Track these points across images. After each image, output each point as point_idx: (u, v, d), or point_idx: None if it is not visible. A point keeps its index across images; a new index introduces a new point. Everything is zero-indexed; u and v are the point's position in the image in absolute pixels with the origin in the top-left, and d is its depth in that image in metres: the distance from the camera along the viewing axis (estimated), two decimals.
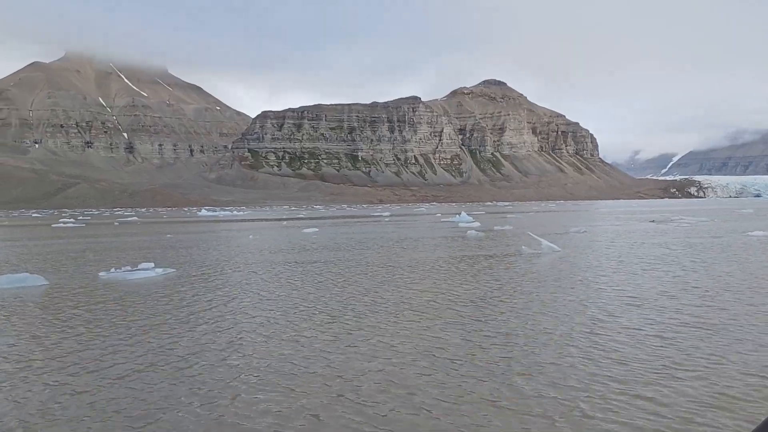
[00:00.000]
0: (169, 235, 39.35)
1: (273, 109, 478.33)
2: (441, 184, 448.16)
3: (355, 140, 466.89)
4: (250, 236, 41.60)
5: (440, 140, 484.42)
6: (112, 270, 21.59)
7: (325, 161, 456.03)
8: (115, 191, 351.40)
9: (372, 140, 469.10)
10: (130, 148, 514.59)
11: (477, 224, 51.24)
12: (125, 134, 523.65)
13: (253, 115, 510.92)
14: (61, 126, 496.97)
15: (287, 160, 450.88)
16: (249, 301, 15.34)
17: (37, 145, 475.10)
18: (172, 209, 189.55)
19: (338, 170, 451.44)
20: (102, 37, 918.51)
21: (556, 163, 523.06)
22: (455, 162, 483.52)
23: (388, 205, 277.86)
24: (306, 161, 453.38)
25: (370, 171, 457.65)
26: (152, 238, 42.85)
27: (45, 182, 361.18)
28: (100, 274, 21.44)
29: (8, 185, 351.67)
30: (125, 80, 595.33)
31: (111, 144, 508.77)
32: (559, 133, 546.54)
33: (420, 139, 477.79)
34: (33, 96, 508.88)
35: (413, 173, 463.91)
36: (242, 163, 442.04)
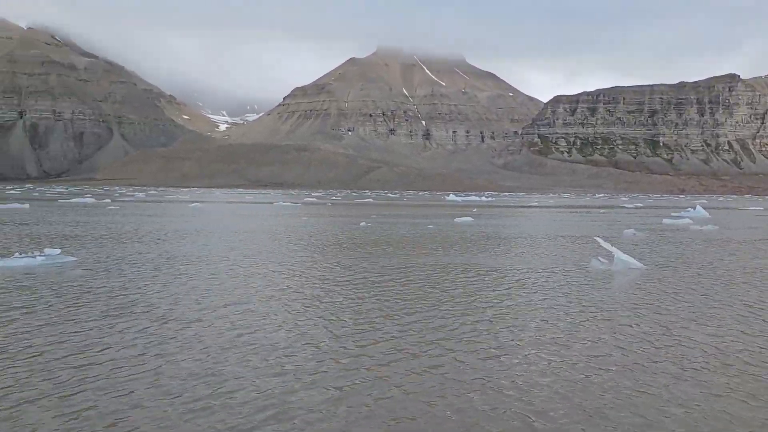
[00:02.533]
0: (363, 222, 36.70)
1: (566, 93, 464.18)
2: (761, 174, 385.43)
3: (656, 124, 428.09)
4: (362, 223, 34.45)
5: (763, 123, 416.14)
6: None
7: (620, 147, 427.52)
8: (411, 175, 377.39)
9: (677, 124, 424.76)
10: (427, 135, 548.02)
11: (710, 227, 34.83)
12: (423, 122, 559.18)
13: (545, 101, 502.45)
14: (370, 115, 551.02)
15: (578, 146, 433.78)
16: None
17: (350, 133, 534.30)
18: (446, 193, 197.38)
19: (635, 157, 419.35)
20: (408, 31, 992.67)
21: None
22: None
23: (692, 196, 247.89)
24: (599, 147, 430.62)
25: (672, 158, 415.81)
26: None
27: (354, 166, 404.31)
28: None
29: (326, 168, 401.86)
30: (426, 71, 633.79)
31: (411, 131, 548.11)
32: None
33: (736, 122, 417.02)
34: (349, 89, 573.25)
35: (725, 161, 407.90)
36: (531, 149, 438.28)
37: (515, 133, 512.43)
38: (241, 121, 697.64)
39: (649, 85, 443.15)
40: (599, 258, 16.21)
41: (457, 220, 36.46)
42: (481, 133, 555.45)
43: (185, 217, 39.12)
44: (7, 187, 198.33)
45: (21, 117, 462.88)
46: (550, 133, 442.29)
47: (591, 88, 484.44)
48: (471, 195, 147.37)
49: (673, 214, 47.38)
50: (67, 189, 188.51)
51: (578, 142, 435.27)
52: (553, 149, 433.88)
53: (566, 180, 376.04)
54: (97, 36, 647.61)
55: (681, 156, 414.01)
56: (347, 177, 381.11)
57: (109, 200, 72.27)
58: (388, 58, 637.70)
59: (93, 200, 68.93)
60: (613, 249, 15.61)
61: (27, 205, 49.75)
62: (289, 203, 72.65)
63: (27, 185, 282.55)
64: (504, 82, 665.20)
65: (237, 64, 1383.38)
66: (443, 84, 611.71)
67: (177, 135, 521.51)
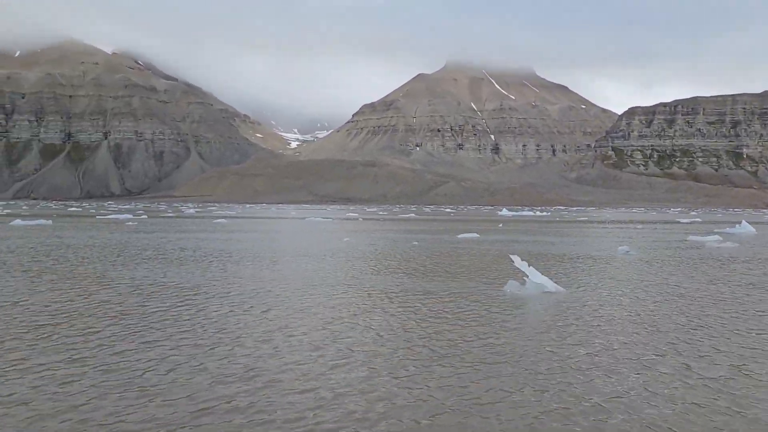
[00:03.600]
0: (347, 239, 36.24)
1: (641, 105, 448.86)
2: None
3: (739, 135, 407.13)
4: (415, 242, 34.18)
5: None
6: None
7: (700, 159, 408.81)
8: (479, 189, 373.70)
9: (762, 135, 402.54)
10: (496, 149, 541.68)
11: (731, 244, 28.81)
12: (492, 136, 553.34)
13: (619, 112, 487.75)
14: (438, 130, 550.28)
15: (655, 159, 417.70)
16: None
17: (418, 148, 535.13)
18: (521, 208, 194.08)
19: (716, 170, 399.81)
20: (477, 44, 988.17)
21: None
22: None
23: None
24: (677, 160, 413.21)
25: (757, 170, 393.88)
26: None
27: (421, 181, 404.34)
28: None
29: (394, 183, 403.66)
30: (495, 85, 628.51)
31: (479, 145, 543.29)
32: None
33: None
34: (417, 104, 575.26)
35: None
36: (605, 162, 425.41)
37: (588, 146, 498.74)
38: (312, 139, 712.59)
39: (731, 95, 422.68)
40: (515, 280, 14.09)
41: (460, 236, 34.71)
42: (552, 146, 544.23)
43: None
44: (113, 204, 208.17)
45: (106, 138, 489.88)
46: (624, 146, 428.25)
47: (668, 99, 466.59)
48: (524, 210, 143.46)
49: (715, 230, 43.97)
50: (190, 206, 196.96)
51: (655, 154, 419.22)
52: (629, 162, 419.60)
53: (643, 194, 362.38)
54: (177, 59, 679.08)
55: (766, 168, 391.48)
56: (413, 192, 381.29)
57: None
58: (457, 73, 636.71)
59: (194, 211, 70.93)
60: (529, 269, 13.45)
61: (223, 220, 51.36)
62: (326, 218, 72.25)
63: (109, 202, 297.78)
64: (576, 94, 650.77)
65: (308, 83, 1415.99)
66: (512, 97, 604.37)
67: (250, 153, 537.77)
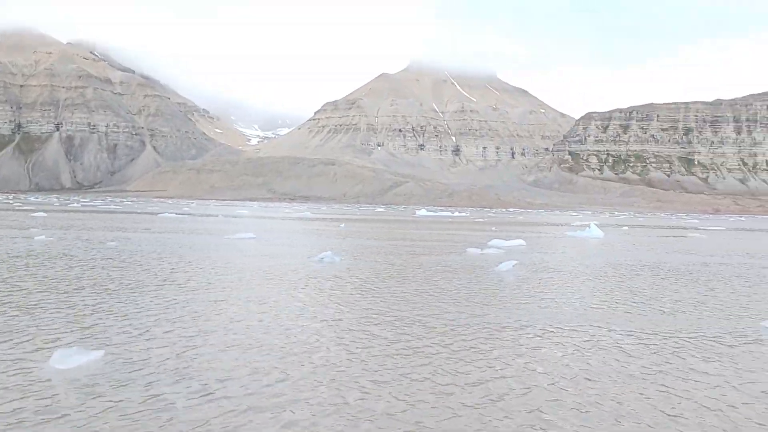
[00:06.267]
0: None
1: (598, 110, 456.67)
2: None
3: (691, 142, 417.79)
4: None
5: None
6: None
7: (653, 165, 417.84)
8: (437, 190, 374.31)
9: (712, 142, 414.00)
10: (456, 151, 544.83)
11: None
12: (453, 137, 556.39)
13: (577, 117, 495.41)
14: (400, 130, 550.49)
15: (610, 164, 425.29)
16: None
17: (379, 148, 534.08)
18: (485, 209, 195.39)
19: (668, 175, 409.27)
20: (440, 46, 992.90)
21: None
22: None
23: (726, 215, 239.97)
24: (631, 165, 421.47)
25: (708, 177, 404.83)
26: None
27: (381, 180, 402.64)
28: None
29: (354, 182, 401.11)
30: (457, 87, 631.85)
31: (440, 147, 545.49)
32: None
33: None
34: (379, 104, 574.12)
35: (764, 181, 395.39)
36: (561, 166, 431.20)
37: (546, 150, 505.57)
38: (273, 136, 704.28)
39: (683, 103, 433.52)
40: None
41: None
42: (511, 149, 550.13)
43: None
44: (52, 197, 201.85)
45: (57, 129, 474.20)
46: (581, 150, 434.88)
47: (624, 105, 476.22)
48: (441, 210, 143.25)
49: (568, 232, 44.10)
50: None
51: (610, 159, 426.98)
52: (584, 166, 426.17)
53: (598, 198, 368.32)
54: (134, 51, 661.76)
55: (717, 175, 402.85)
56: (373, 191, 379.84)
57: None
58: (419, 74, 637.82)
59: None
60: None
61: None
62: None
63: (54, 196, 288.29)
64: (535, 98, 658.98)
65: (270, 79, 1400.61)
66: (474, 100, 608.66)
67: (208, 148, 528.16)
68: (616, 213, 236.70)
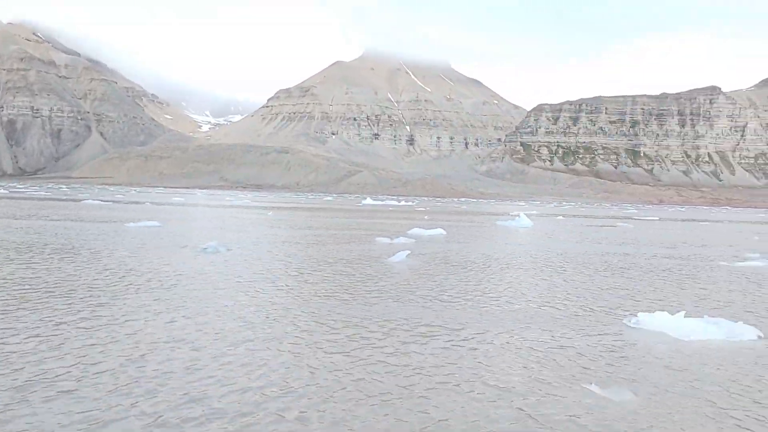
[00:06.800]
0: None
1: (550, 102, 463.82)
2: (740, 186, 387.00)
3: (637, 135, 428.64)
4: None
5: (743, 136, 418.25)
6: None
7: (601, 156, 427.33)
8: (391, 180, 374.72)
9: (658, 135, 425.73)
10: (411, 140, 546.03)
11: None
12: (408, 127, 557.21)
13: (529, 108, 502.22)
14: (355, 119, 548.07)
15: (560, 155, 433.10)
16: None
17: (333, 136, 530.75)
18: (435, 199, 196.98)
19: (616, 167, 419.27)
20: (396, 36, 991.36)
21: None
22: (760, 161, 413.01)
23: (670, 206, 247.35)
24: (580, 156, 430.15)
25: (653, 168, 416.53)
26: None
27: (335, 169, 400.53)
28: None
29: (308, 170, 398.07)
30: (412, 76, 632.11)
31: (395, 136, 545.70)
32: None
33: (717, 134, 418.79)
34: (333, 92, 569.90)
35: (705, 173, 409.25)
36: (513, 156, 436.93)
37: (499, 140, 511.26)
38: (225, 122, 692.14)
39: (631, 96, 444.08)
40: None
41: None
42: (465, 139, 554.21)
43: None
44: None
45: None
46: (532, 141, 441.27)
47: (574, 98, 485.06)
48: (389, 199, 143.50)
49: (498, 221, 45.13)
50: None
51: (560, 150, 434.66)
52: (536, 157, 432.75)
53: (548, 188, 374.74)
54: (80, 33, 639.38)
55: (661, 167, 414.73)
56: (327, 180, 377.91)
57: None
58: (374, 63, 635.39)
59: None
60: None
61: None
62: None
63: None
64: (489, 89, 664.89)
65: (222, 64, 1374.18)
66: (428, 90, 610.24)
67: (157, 134, 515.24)
68: (564, 203, 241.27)
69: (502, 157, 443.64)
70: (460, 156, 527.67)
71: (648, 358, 8.38)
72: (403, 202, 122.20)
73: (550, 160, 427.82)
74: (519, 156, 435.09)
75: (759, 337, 9.77)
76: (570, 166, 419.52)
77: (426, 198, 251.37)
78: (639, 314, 10.66)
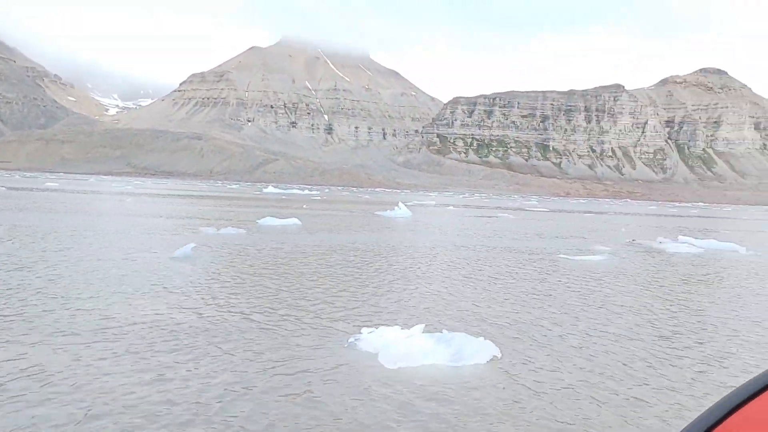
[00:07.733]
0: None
1: (466, 95, 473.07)
2: (640, 180, 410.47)
3: (547, 129, 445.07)
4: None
5: (643, 132, 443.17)
6: None
7: (513, 150, 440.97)
8: (308, 168, 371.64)
9: (566, 130, 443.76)
10: (329, 129, 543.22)
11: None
12: (326, 116, 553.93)
13: (446, 101, 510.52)
14: (271, 107, 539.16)
15: (475, 147, 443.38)
16: None
17: (249, 123, 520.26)
18: (347, 188, 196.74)
19: (527, 160, 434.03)
20: (314, 23, 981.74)
21: None
22: (658, 157, 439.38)
23: (576, 198, 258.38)
24: (494, 149, 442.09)
25: (561, 162, 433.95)
26: None
27: (251, 157, 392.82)
28: None
29: (222, 158, 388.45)
30: (330, 65, 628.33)
31: (313, 125, 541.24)
32: None
33: (620, 130, 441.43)
34: (250, 78, 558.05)
35: (609, 167, 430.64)
36: (430, 148, 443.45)
37: (416, 131, 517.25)
38: (134, 106, 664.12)
39: (542, 91, 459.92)
40: None
41: None
42: (383, 130, 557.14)
43: None
44: None
45: None
46: (448, 134, 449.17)
47: (488, 91, 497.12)
48: (294, 188, 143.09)
49: (377, 212, 46.78)
50: None
51: (475, 143, 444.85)
52: (451, 149, 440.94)
53: (463, 180, 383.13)
54: None
55: (569, 161, 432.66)
56: (243, 168, 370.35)
57: None
58: (292, 50, 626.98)
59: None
60: None
61: None
62: None
63: None
64: (407, 80, 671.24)
65: (133, 45, 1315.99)
66: (347, 79, 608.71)
67: (60, 117, 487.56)
68: (476, 194, 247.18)
69: (419, 149, 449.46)
70: (378, 146, 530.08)
71: (331, 399, 6.63)
72: (306, 191, 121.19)
73: (465, 152, 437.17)
74: (435, 147, 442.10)
75: (490, 359, 8.12)
76: (484, 159, 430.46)
77: (340, 187, 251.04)
78: (363, 330, 9.04)
